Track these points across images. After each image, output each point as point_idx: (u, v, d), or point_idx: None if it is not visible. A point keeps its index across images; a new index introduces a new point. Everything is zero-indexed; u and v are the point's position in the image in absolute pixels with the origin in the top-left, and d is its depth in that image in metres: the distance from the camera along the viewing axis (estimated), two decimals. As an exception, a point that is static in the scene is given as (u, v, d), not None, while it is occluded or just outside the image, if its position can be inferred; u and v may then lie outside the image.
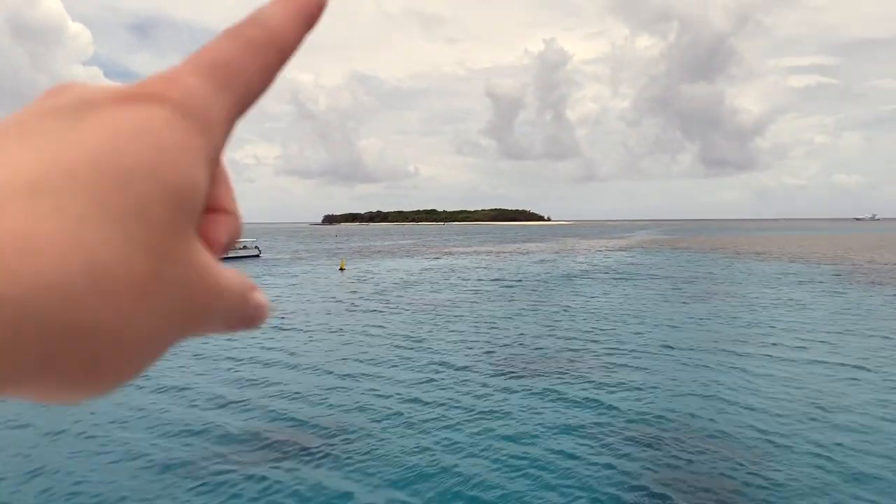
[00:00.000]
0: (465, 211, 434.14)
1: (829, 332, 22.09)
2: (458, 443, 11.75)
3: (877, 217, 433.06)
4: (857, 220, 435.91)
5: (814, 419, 12.80)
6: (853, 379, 15.92)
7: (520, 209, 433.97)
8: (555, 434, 12.14)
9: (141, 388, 15.76)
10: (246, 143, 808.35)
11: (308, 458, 11.16)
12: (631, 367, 17.49)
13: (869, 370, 16.71)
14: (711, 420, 12.87)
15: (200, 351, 20.21)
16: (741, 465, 10.63)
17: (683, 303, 30.32)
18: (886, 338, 20.95)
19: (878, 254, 66.96)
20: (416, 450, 11.42)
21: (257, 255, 75.55)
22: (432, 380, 16.34)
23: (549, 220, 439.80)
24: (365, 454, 11.21)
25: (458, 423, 12.83)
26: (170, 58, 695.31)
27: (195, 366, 18.15)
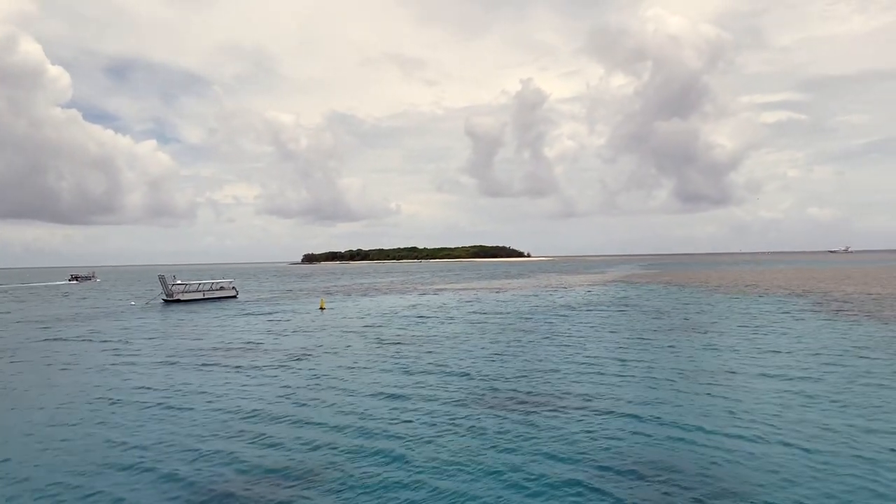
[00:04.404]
0: (446, 248, 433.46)
1: (803, 360, 22.15)
2: (447, 478, 11.43)
3: (850, 249, 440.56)
4: (832, 252, 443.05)
5: (797, 444, 12.71)
6: (818, 401, 15.91)
7: (500, 245, 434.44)
8: (542, 464, 11.86)
9: (112, 441, 15.27)
10: (225, 184, 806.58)
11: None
12: (615, 398, 17.31)
13: (840, 396, 16.71)
14: (691, 454, 12.70)
15: (169, 390, 19.74)
16: (719, 485, 10.44)
17: (664, 335, 30.28)
18: (860, 364, 21.05)
19: (851, 285, 67.98)
20: (399, 487, 11.07)
21: (234, 296, 74.64)
22: (414, 416, 15.98)
23: (529, 255, 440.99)
24: (345, 492, 10.84)
25: (441, 459, 12.52)
26: (148, 100, 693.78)
27: (167, 409, 17.67)
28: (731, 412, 15.98)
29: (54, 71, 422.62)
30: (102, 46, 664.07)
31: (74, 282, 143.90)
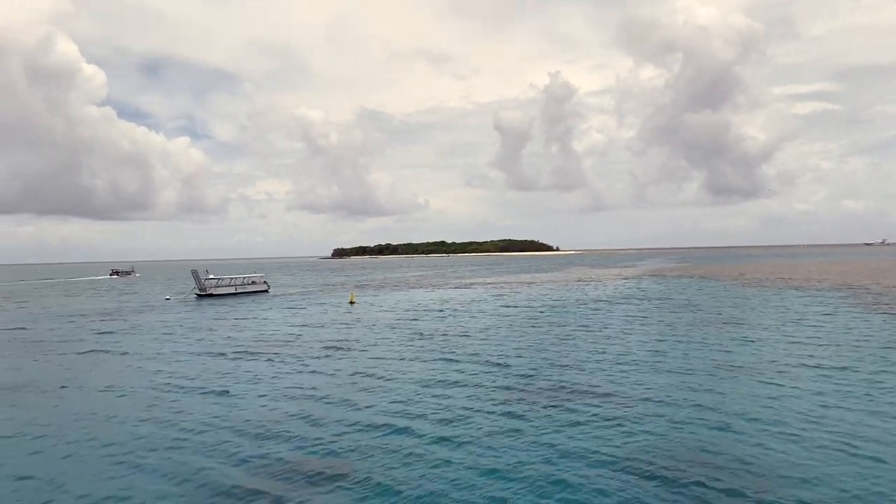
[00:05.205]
0: (475, 242, 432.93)
1: (839, 356, 22.09)
2: (487, 465, 11.95)
3: (887, 242, 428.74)
4: (868, 244, 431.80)
5: (838, 446, 12.87)
6: (856, 394, 15.95)
7: (529, 240, 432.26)
8: (580, 454, 12.29)
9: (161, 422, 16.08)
10: (258, 180, 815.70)
11: (326, 490, 11.34)
12: (652, 390, 17.58)
13: (881, 396, 16.73)
14: (726, 442, 12.97)
15: (201, 381, 20.61)
16: (753, 486, 10.70)
17: (699, 328, 30.27)
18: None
19: (888, 278, 66.56)
20: (439, 473, 11.63)
21: (266, 291, 75.92)
22: (452, 406, 16.49)
23: (557, 249, 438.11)
24: (383, 481, 11.43)
25: (481, 447, 13.03)
26: (180, 98, 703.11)
27: (213, 396, 18.54)
28: (770, 405, 16.06)
29: (89, 70, 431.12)
30: (135, 45, 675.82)
31: (115, 276, 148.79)
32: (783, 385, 18.09)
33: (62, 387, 20.98)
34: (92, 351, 29.06)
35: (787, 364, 21.23)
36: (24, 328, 40.14)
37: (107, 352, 28.71)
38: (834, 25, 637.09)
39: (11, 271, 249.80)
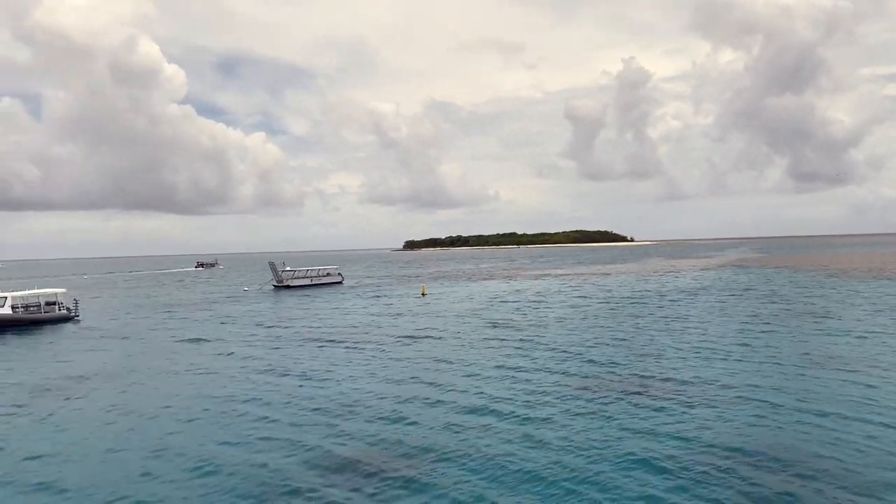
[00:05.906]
0: (546, 233, 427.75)
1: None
2: (573, 457, 12.08)
3: None
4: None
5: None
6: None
7: (601, 230, 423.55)
8: (669, 447, 12.23)
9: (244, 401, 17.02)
10: (331, 174, 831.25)
11: (408, 473, 11.77)
12: (741, 382, 17.21)
13: None
14: (816, 431, 12.62)
15: (276, 368, 21.62)
16: (840, 482, 10.37)
17: (786, 320, 29.19)
18: None
19: None
20: (519, 457, 11.83)
21: (340, 282, 77.97)
22: (534, 397, 16.66)
23: (631, 240, 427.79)
24: (466, 458, 11.76)
25: (565, 438, 13.16)
26: (255, 94, 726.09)
27: (302, 380, 19.47)
28: (868, 400, 15.26)
29: (170, 69, 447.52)
30: (212, 44, 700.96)
31: (200, 268, 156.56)
32: (876, 377, 17.30)
33: (167, 371, 22.49)
34: (189, 339, 30.82)
35: (878, 355, 20.26)
36: (122, 318, 42.89)
37: (202, 339, 30.40)
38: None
39: (101, 264, 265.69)
